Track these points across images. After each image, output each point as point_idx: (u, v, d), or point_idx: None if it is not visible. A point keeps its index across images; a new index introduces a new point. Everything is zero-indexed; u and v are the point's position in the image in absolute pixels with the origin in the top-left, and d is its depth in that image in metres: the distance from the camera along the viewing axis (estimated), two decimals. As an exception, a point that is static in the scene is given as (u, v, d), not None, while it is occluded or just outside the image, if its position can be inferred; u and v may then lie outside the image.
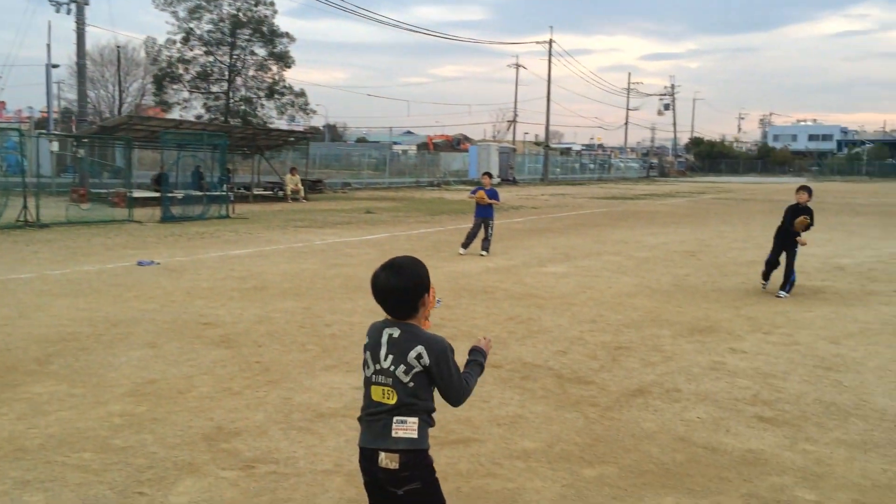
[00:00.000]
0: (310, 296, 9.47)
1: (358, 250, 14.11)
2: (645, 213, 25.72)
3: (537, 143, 77.82)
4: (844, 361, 6.68)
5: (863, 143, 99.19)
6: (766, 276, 10.41)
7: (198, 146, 23.88)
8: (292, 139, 33.98)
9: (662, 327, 7.98)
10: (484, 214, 13.83)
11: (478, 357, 2.92)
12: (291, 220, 20.21)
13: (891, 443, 4.74)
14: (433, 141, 74.23)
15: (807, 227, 10.04)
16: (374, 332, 2.75)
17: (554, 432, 4.88)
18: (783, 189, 48.74)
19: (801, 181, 66.01)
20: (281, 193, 29.35)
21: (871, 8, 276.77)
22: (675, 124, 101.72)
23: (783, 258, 10.15)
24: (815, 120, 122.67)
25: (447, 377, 2.68)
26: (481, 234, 13.76)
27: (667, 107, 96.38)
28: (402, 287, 2.68)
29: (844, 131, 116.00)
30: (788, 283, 10.06)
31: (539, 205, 28.94)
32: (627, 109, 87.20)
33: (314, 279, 10.71)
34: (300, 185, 29.41)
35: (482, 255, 13.43)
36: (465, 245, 13.76)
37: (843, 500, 3.93)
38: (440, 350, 2.67)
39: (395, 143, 72.30)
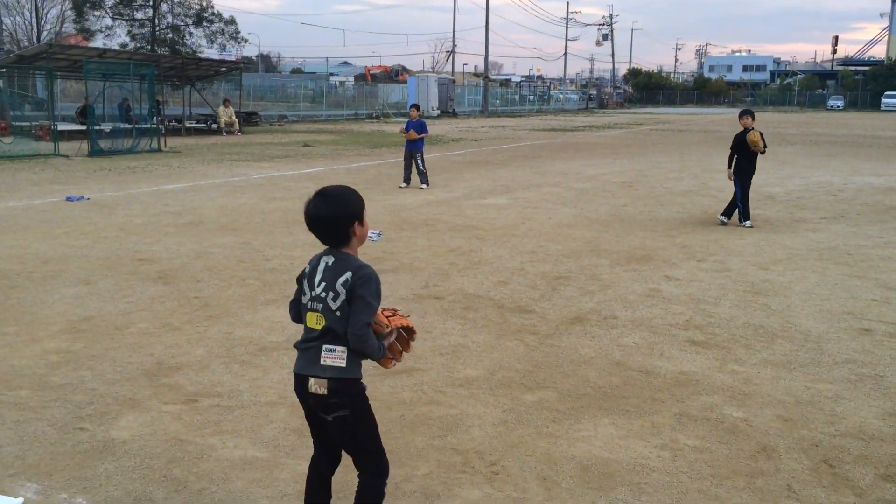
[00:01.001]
0: (248, 230, 9.32)
1: (297, 184, 13.88)
2: (584, 145, 25.92)
3: (476, 75, 77.11)
4: (773, 286, 6.95)
5: (794, 73, 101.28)
6: (746, 214, 10.15)
7: (124, 77, 22.88)
8: (224, 69, 32.83)
9: (601, 257, 8.15)
10: (411, 147, 13.72)
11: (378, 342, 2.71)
12: (227, 154, 19.70)
13: (814, 362, 4.99)
14: (371, 72, 72.76)
15: (760, 145, 9.92)
16: (314, 260, 2.73)
17: (495, 360, 4.98)
18: (718, 120, 49.65)
19: (736, 112, 67.43)
20: (215, 126, 28.51)
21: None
22: (613, 55, 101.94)
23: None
24: (749, 50, 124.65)
25: (359, 306, 2.59)
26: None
27: (605, 37, 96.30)
28: (331, 215, 2.66)
29: (777, 62, 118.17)
30: (740, 213, 10.08)
31: (479, 137, 28.84)
32: (566, 40, 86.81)
33: (252, 214, 10.53)
34: (234, 118, 28.60)
35: (422, 189, 13.38)
36: (407, 179, 13.68)
37: (768, 417, 4.14)
38: (364, 276, 2.62)
39: (332, 74, 70.55)
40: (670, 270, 7.55)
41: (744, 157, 10.17)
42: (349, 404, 2.66)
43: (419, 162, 13.67)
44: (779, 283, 7.08)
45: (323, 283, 2.64)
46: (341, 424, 2.68)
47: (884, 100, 75.47)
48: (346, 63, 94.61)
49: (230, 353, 5.04)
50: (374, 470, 2.80)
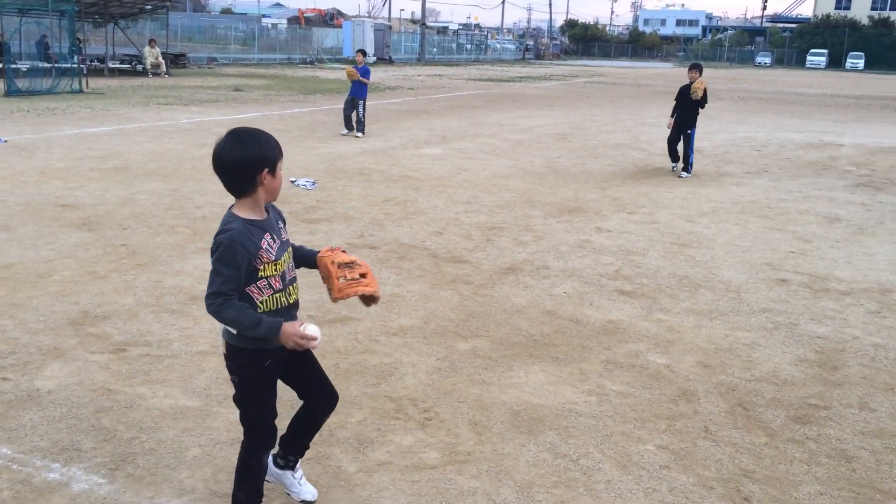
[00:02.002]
0: (177, 177, 9.06)
1: (228, 129, 13.49)
2: (520, 96, 25.94)
3: (413, 21, 75.85)
4: (698, 238, 7.18)
5: (725, 29, 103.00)
6: (673, 156, 10.90)
7: (42, 12, 21.62)
8: (149, 7, 31.33)
9: (534, 208, 8.25)
10: (355, 93, 13.47)
11: (275, 324, 2.44)
12: (153, 97, 18.98)
13: (733, 311, 5.21)
14: (305, 15, 70.70)
15: (699, 93, 10.40)
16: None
17: (430, 309, 5.03)
18: (651, 74, 50.27)
19: (668, 66, 68.30)
20: (140, 67, 27.36)
21: None
22: (550, 5, 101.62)
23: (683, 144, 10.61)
24: (683, 5, 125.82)
25: (212, 270, 2.43)
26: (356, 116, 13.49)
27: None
28: (238, 158, 2.37)
29: (710, 17, 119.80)
30: (689, 164, 10.66)
31: (416, 86, 28.52)
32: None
33: (181, 160, 10.23)
34: (161, 59, 27.48)
35: (357, 137, 13.21)
36: (348, 126, 13.47)
37: (689, 363, 4.32)
38: (216, 242, 2.42)
39: (264, 15, 68.34)
40: (601, 222, 7.71)
41: (690, 109, 10.60)
42: (237, 372, 2.56)
43: (360, 110, 13.46)
44: (703, 235, 7.32)
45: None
46: (234, 387, 2.61)
47: (808, 57, 77.61)
48: (278, 4, 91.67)
49: (159, 301, 4.95)
50: (246, 435, 2.65)
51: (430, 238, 6.81)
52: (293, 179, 8.96)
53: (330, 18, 71.60)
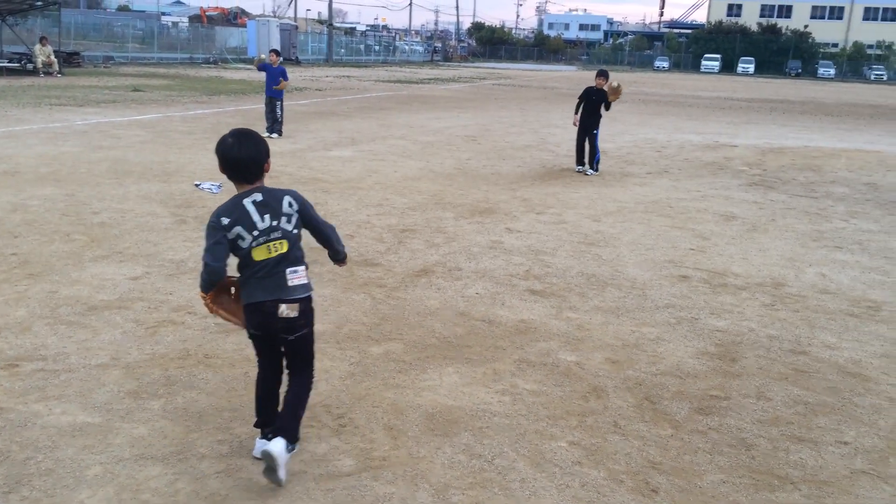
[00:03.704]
0: (72, 181, 8.64)
1: (127, 132, 12.99)
2: (430, 98, 26.04)
3: (320, 22, 75.00)
4: (604, 237, 7.37)
5: (626, 34, 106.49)
6: (579, 158, 11.24)
7: (-82, 6, 20.24)
8: (39, 3, 29.79)
9: (446, 210, 8.29)
10: (272, 93, 13.25)
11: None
12: (45, 97, 18.05)
13: (639, 308, 5.38)
14: (207, 13, 68.73)
15: (612, 98, 10.97)
16: (233, 208, 2.89)
17: (342, 314, 4.98)
18: (557, 76, 51.41)
19: (573, 70, 70.01)
20: (30, 66, 25.97)
21: None
22: (458, 8, 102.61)
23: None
24: (585, 10, 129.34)
25: (318, 217, 3.11)
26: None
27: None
28: (256, 154, 2.93)
29: (611, 22, 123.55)
30: (595, 161, 11.09)
31: (324, 87, 28.20)
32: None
33: (77, 163, 9.76)
34: (53, 58, 26.19)
35: (270, 138, 12.94)
36: (271, 129, 13.22)
37: (598, 360, 4.43)
38: (299, 195, 3.04)
39: (164, 13, 66.08)
40: (511, 223, 7.81)
41: (594, 111, 11.06)
42: (310, 322, 3.04)
43: (279, 110, 13.25)
44: (609, 234, 7.53)
45: (267, 216, 2.89)
46: (300, 340, 3.02)
47: (703, 62, 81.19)
48: (179, 2, 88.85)
49: (55, 313, 4.70)
50: (310, 372, 3.16)
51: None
52: (197, 183, 8.70)
53: (233, 17, 69.88)
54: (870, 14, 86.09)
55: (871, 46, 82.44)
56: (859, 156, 14.22)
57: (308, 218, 3.06)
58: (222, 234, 2.87)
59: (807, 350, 4.71)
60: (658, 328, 4.99)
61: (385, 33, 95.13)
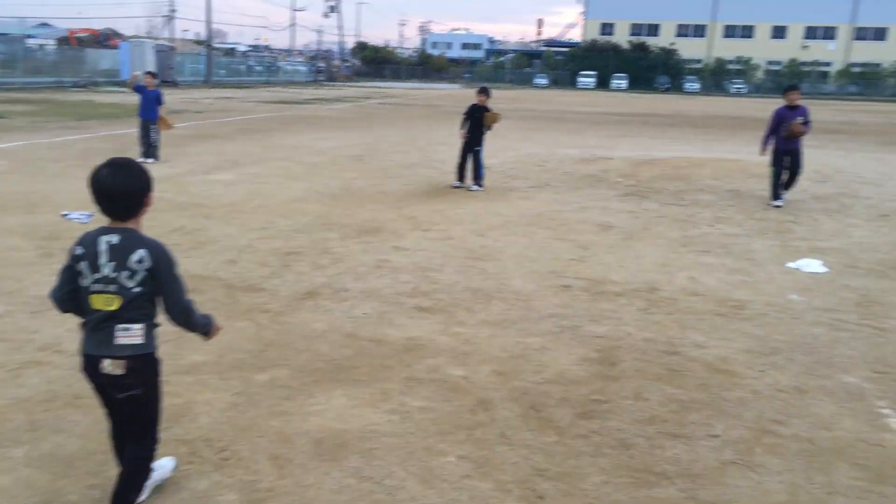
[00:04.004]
0: (-75, 217, 8.03)
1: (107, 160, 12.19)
2: (314, 118, 25.82)
3: (198, 42, 73.08)
4: (489, 251, 7.52)
5: (506, 52, 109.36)
6: (459, 177, 11.46)
7: None
8: None
9: (332, 230, 8.22)
10: (146, 116, 12.80)
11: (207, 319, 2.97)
12: None
13: (524, 319, 5.51)
14: (76, 35, 65.60)
15: (491, 125, 11.32)
16: (90, 241, 2.69)
17: (224, 342, 4.83)
18: (441, 95, 52.11)
19: (456, 88, 71.20)
20: None
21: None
22: (340, 28, 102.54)
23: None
24: (468, 29, 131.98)
25: (170, 282, 2.73)
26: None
27: (332, 9, 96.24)
28: (131, 187, 2.68)
29: (491, 41, 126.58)
30: (479, 177, 11.31)
31: (203, 109, 27.45)
32: (293, 10, 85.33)
33: (-70, 197, 9.08)
34: None
35: (147, 163, 12.45)
36: (145, 154, 12.70)
37: (485, 372, 4.51)
38: (163, 253, 2.72)
39: (29, 36, 62.49)
40: (398, 241, 7.84)
41: (476, 129, 11.36)
42: (143, 382, 2.78)
43: (153, 134, 12.77)
44: (494, 248, 7.68)
45: (112, 263, 2.65)
46: (131, 401, 2.77)
47: (580, 79, 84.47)
48: (45, 24, 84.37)
49: None
50: (147, 444, 2.92)
51: (224, 267, 6.56)
52: (65, 213, 8.26)
53: (105, 39, 66.97)
54: (730, 31, 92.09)
55: (731, 62, 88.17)
56: (723, 164, 15.14)
57: (160, 283, 2.71)
58: (71, 263, 2.69)
59: (679, 350, 4.96)
60: (542, 338, 5.12)
61: (267, 53, 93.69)
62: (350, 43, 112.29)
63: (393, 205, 9.94)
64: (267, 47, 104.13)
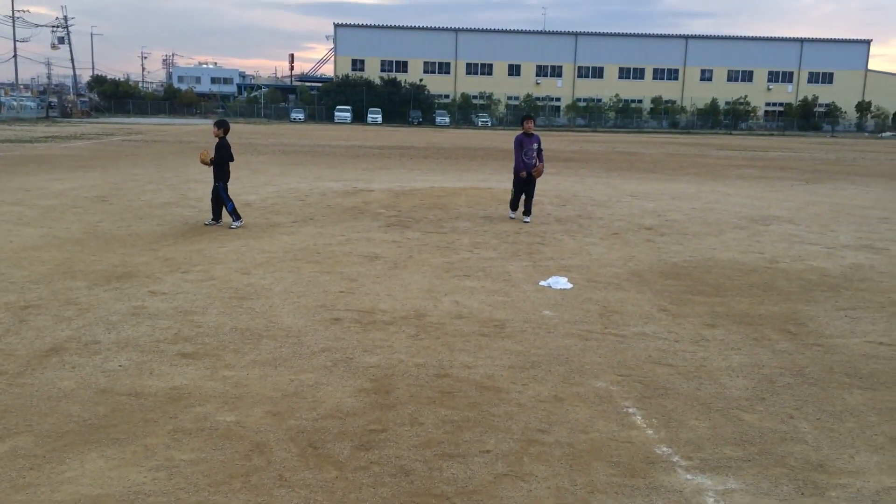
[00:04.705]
0: None
1: None
2: (48, 158, 23.52)
3: None
4: (255, 290, 7.30)
5: (259, 87, 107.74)
6: (214, 213, 11.13)
7: None
8: None
9: (76, 279, 7.51)
10: None
11: None
12: None
13: (296, 355, 5.40)
14: None
15: (213, 162, 11.02)
16: None
17: (-51, 414, 4.20)
18: (192, 130, 49.95)
19: (208, 123, 68.67)
20: None
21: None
22: (73, 60, 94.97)
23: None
24: (216, 63, 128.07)
25: None
26: None
27: (61, 40, 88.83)
28: None
29: (243, 76, 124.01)
30: (229, 211, 10.97)
31: None
32: (15, 41, 77.49)
33: None
34: None
35: None
36: None
37: (259, 415, 4.35)
38: None
39: None
40: (155, 285, 7.35)
41: (217, 165, 11.09)
42: None
43: None
44: (260, 285, 7.47)
45: None
46: None
47: (336, 113, 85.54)
48: None
49: None
50: None
51: (-56, 329, 5.71)
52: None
53: None
54: (472, 69, 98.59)
55: (475, 97, 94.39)
56: (476, 193, 16.09)
57: None
58: None
59: (449, 372, 5.15)
60: (316, 373, 5.06)
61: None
62: (85, 76, 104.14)
63: (146, 247, 9.31)
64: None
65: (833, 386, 5.09)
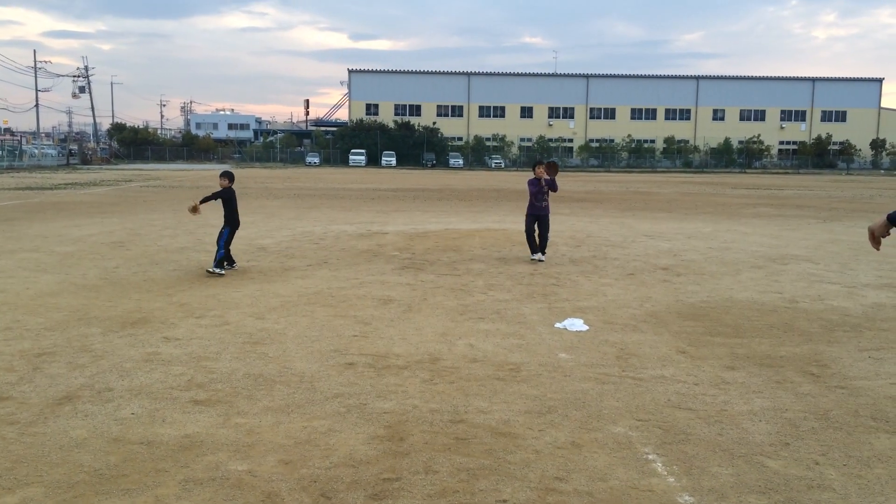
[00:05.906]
0: None
1: None
2: (67, 204, 23.83)
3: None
4: (269, 334, 7.27)
5: (275, 132, 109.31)
6: (228, 259, 11.14)
7: None
8: None
9: (91, 325, 7.52)
10: None
11: None
12: None
13: (309, 402, 5.34)
14: None
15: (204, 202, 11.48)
16: None
17: (-40, 465, 4.17)
18: (210, 175, 50.58)
19: (225, 167, 69.68)
20: None
21: (268, 7, 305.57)
22: (93, 108, 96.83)
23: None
24: (233, 109, 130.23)
25: None
26: None
27: (82, 89, 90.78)
28: None
29: (259, 121, 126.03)
30: (215, 257, 10.89)
31: (-70, 197, 24.31)
32: (37, 90, 79.25)
33: None
34: None
35: None
36: None
37: (271, 463, 4.28)
38: None
39: None
40: (169, 331, 7.34)
41: (222, 209, 11.34)
42: None
43: None
44: (274, 330, 7.44)
45: None
46: None
47: (351, 157, 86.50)
48: None
49: None
50: None
51: (-42, 377, 5.71)
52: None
53: None
54: (484, 112, 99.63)
55: (488, 139, 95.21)
56: (490, 234, 16.09)
57: None
58: None
59: (464, 418, 5.06)
60: (329, 420, 4.99)
61: (9, 137, 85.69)
62: (105, 124, 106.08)
63: (161, 292, 9.33)
64: (8, 130, 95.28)
65: (859, 430, 4.96)
